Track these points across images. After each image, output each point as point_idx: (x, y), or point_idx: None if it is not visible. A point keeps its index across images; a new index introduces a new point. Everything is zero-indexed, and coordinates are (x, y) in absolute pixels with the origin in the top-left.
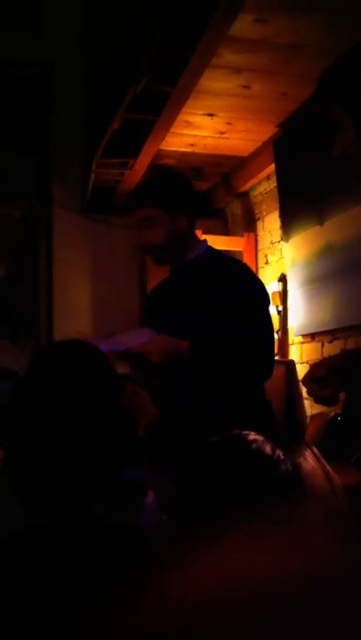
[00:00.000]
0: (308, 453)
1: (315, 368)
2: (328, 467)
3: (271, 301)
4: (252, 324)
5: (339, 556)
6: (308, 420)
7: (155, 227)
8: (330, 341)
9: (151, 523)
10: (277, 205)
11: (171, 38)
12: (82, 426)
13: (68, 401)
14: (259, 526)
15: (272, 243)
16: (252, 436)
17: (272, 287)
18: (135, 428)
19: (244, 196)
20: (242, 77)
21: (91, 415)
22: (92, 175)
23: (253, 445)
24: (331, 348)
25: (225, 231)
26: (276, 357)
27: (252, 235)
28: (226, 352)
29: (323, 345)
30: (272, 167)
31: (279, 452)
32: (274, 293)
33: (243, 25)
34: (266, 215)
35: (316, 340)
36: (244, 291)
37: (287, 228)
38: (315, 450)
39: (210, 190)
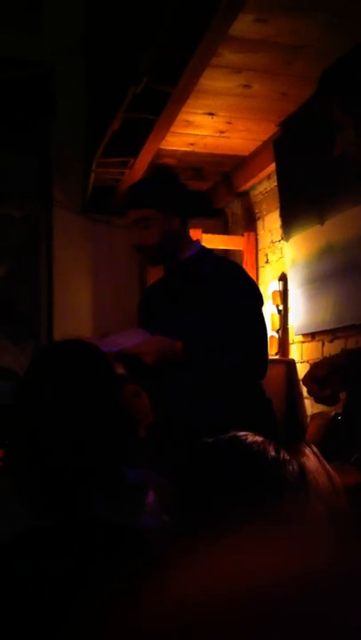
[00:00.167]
0: (308, 452)
1: (315, 367)
2: (328, 466)
3: (272, 301)
4: (245, 324)
5: (339, 556)
6: (308, 419)
7: (149, 227)
8: (330, 341)
9: (152, 523)
10: (278, 205)
11: (171, 38)
12: (82, 426)
13: (69, 401)
14: (259, 526)
15: (272, 242)
16: (251, 437)
17: (272, 286)
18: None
19: (245, 195)
20: (242, 77)
21: (91, 415)
22: (93, 175)
23: (254, 446)
24: (331, 348)
25: (225, 230)
26: (277, 357)
27: (252, 234)
28: (220, 352)
29: (323, 344)
30: (272, 167)
31: (284, 453)
32: (274, 293)
33: (243, 25)
34: (266, 214)
35: (317, 339)
36: (237, 290)
37: (288, 227)
38: (314, 448)
39: (210, 190)
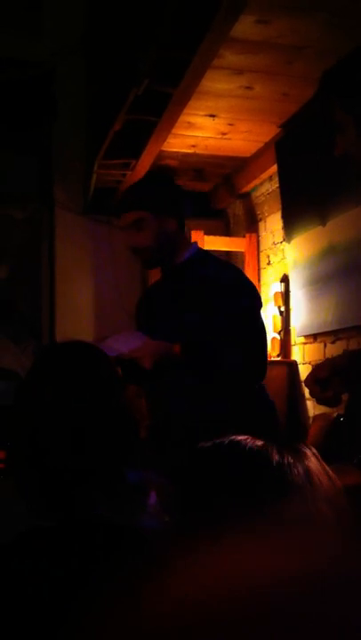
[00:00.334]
0: (309, 453)
1: (317, 369)
2: (327, 467)
3: (273, 302)
4: (244, 325)
5: (339, 556)
6: (310, 420)
7: (142, 230)
8: (332, 342)
9: (153, 523)
10: (279, 206)
11: (172, 39)
12: (83, 426)
13: (70, 401)
14: (259, 526)
15: (274, 243)
16: (251, 440)
17: (274, 288)
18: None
19: (246, 196)
20: (244, 78)
21: (92, 415)
22: (94, 176)
23: (254, 448)
24: (333, 349)
25: (227, 232)
26: (279, 358)
27: (254, 235)
28: (219, 352)
29: (325, 345)
30: (274, 168)
31: (288, 456)
32: (276, 294)
33: (244, 26)
34: (268, 216)
35: (319, 340)
36: (235, 291)
37: (289, 228)
38: (313, 450)
39: (212, 191)
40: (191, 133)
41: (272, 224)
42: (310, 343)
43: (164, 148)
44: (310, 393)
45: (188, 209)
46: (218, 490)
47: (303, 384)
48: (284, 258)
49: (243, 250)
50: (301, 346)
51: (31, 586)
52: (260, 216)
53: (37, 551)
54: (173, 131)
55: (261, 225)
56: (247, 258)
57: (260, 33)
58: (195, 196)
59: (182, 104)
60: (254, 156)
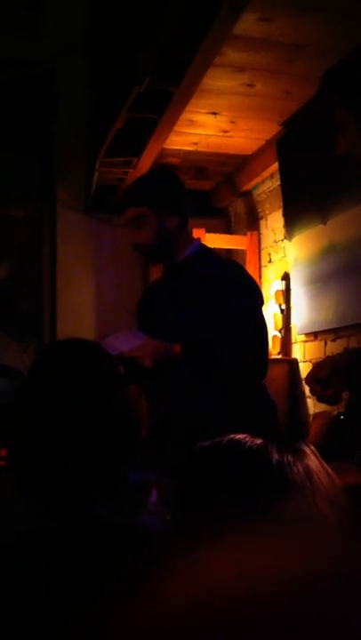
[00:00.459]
0: (309, 452)
1: (318, 367)
2: (326, 465)
3: (274, 300)
4: (244, 323)
5: (339, 556)
6: (311, 418)
7: (143, 226)
8: (333, 340)
9: (154, 522)
10: (281, 204)
11: (174, 38)
12: (83, 426)
13: (70, 401)
14: (259, 526)
15: (275, 241)
16: (250, 439)
17: (275, 286)
18: (139, 429)
19: (248, 194)
20: (245, 76)
21: (92, 415)
22: (96, 174)
23: (253, 447)
24: (333, 347)
25: (228, 230)
26: (279, 356)
27: (255, 233)
28: (219, 350)
29: (325, 343)
30: (275, 166)
31: (288, 455)
32: (277, 292)
33: (247, 24)
34: (269, 214)
35: (319, 338)
36: (236, 289)
37: (290, 226)
38: (313, 448)
39: (213, 189)
40: (193, 131)
41: (273, 222)
42: (311, 341)
43: (166, 146)
44: (311, 391)
45: (190, 207)
46: (218, 489)
47: (304, 382)
48: (285, 256)
49: (244, 248)
50: (302, 344)
51: (31, 586)
52: (261, 214)
53: (37, 551)
54: (175, 128)
55: (263, 223)
56: (248, 256)
57: (262, 31)
58: (196, 194)
59: (184, 102)
60: (256, 154)
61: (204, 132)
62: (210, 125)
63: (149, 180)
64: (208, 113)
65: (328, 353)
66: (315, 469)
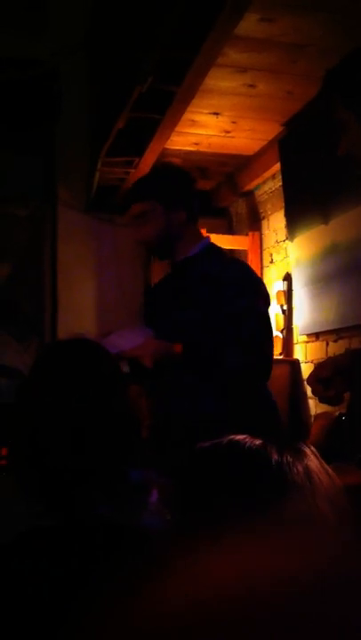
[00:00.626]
0: (309, 452)
1: (320, 368)
2: (326, 466)
3: (276, 300)
4: (246, 324)
5: (339, 556)
6: (312, 419)
7: (150, 221)
8: (334, 341)
9: (155, 522)
10: (282, 204)
11: (176, 38)
12: (83, 426)
13: (71, 401)
14: (259, 526)
15: (277, 242)
16: (250, 440)
17: (277, 286)
18: (139, 428)
19: (249, 194)
20: (247, 76)
21: (93, 415)
22: (97, 174)
23: (253, 447)
24: (335, 348)
25: (230, 230)
26: (281, 356)
27: (256, 234)
28: (218, 351)
29: (327, 344)
30: (277, 166)
31: (287, 455)
32: (279, 292)
33: (248, 24)
34: (271, 214)
35: (321, 339)
36: (240, 290)
37: (292, 227)
38: (313, 448)
39: (215, 189)
40: (194, 131)
41: (275, 222)
42: (312, 342)
43: (168, 146)
44: (312, 391)
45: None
46: (217, 490)
47: (305, 382)
48: (286, 256)
49: (245, 248)
50: (304, 344)
51: (31, 586)
52: (262, 214)
53: (37, 551)
54: (177, 129)
55: (264, 223)
56: (250, 256)
57: (263, 31)
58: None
59: (186, 102)
60: (257, 155)
61: (205, 133)
62: (211, 125)
63: (157, 175)
64: (210, 113)
65: (330, 354)
66: (315, 470)
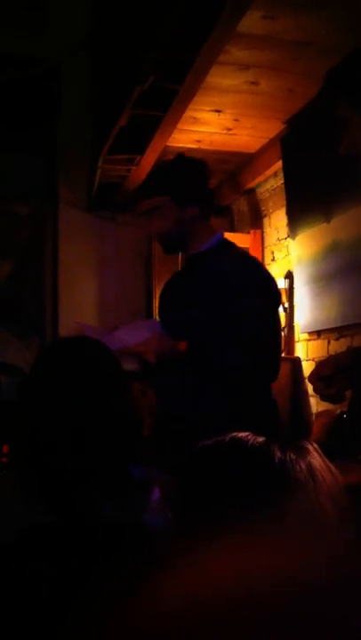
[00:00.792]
0: (312, 449)
1: (321, 366)
2: (329, 463)
3: None
4: (248, 324)
5: (339, 556)
6: (313, 417)
7: (161, 216)
8: (336, 339)
9: (156, 520)
10: (284, 202)
11: (178, 36)
12: (83, 426)
13: (71, 401)
14: (258, 526)
15: (279, 240)
16: (252, 437)
17: (278, 284)
18: (140, 427)
19: (251, 192)
20: (249, 74)
21: (93, 415)
22: (99, 172)
23: (256, 446)
24: (337, 346)
25: (231, 228)
26: (282, 354)
27: (258, 231)
28: (218, 351)
29: (329, 342)
30: (279, 164)
31: (290, 453)
32: (280, 290)
33: (251, 21)
34: (273, 212)
35: (322, 337)
36: (241, 290)
37: (294, 225)
38: (316, 446)
39: (216, 187)
40: (196, 129)
41: (277, 220)
42: (314, 340)
43: (169, 144)
44: (314, 389)
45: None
46: (220, 487)
47: (307, 380)
48: (288, 254)
49: (247, 246)
50: (305, 342)
51: (31, 586)
52: (264, 212)
53: (37, 551)
54: (178, 126)
55: (266, 221)
56: (252, 254)
57: (265, 28)
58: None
59: (188, 100)
60: (259, 152)
61: (207, 130)
62: (213, 123)
63: (170, 168)
64: (212, 111)
65: (331, 352)
66: (318, 467)
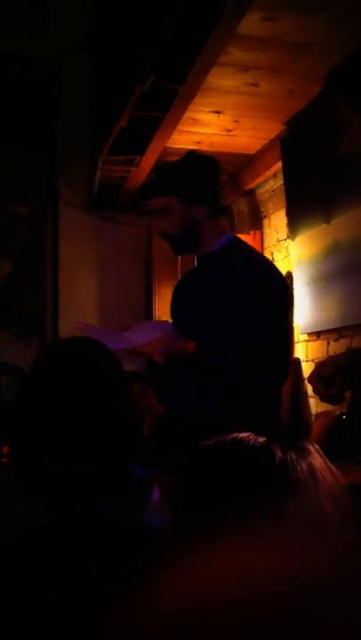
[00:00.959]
0: (313, 450)
1: (321, 367)
2: (330, 464)
3: None
4: (246, 325)
5: (339, 556)
6: (313, 418)
7: (169, 216)
8: (335, 340)
9: (156, 520)
10: (284, 203)
11: (179, 37)
12: (83, 426)
13: (71, 401)
14: (259, 526)
15: (278, 240)
16: (253, 438)
17: None
18: (140, 427)
19: (251, 193)
20: (249, 75)
21: (93, 415)
22: (99, 172)
23: (257, 446)
24: (336, 347)
25: (231, 229)
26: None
27: (258, 232)
28: (218, 351)
29: (328, 343)
30: (279, 165)
31: (291, 453)
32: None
33: (251, 23)
34: (272, 213)
35: (322, 338)
36: (245, 289)
37: (294, 225)
38: (317, 446)
39: None
40: (196, 130)
41: (276, 221)
42: (314, 341)
43: (169, 145)
44: (314, 390)
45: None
46: (221, 488)
47: (306, 381)
48: (288, 255)
49: None
50: (305, 343)
51: (31, 586)
52: (264, 213)
53: (37, 551)
54: (178, 127)
55: (266, 222)
56: None
57: (266, 30)
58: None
59: (188, 100)
60: (259, 153)
61: (207, 131)
62: (213, 124)
63: (180, 167)
64: (212, 112)
65: (331, 353)
66: (319, 467)
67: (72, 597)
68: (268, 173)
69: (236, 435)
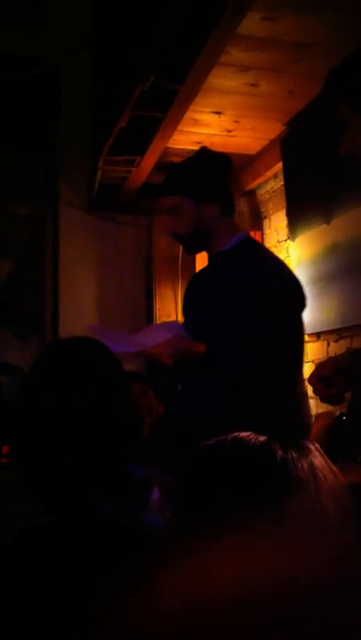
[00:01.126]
0: (313, 449)
1: (321, 367)
2: (331, 463)
3: None
4: (249, 325)
5: (339, 556)
6: (313, 418)
7: (180, 215)
8: (335, 340)
9: (156, 520)
10: (284, 204)
11: (179, 37)
12: (83, 426)
13: (71, 401)
14: (259, 526)
15: (278, 241)
16: (254, 437)
17: None
18: (140, 427)
19: (251, 194)
20: (249, 75)
21: (93, 415)
22: (99, 172)
23: (258, 445)
24: (336, 347)
25: None
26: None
27: (258, 233)
28: (218, 351)
29: (328, 344)
30: (279, 165)
31: (292, 452)
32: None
33: (251, 23)
34: (273, 213)
35: (322, 339)
36: (246, 289)
37: (294, 226)
38: (317, 445)
39: None
40: (196, 130)
41: (277, 222)
42: (313, 341)
43: (169, 145)
44: (314, 390)
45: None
46: (222, 487)
47: (306, 382)
48: (288, 256)
49: None
50: (305, 344)
51: (31, 586)
52: (264, 214)
53: (37, 551)
54: (179, 127)
55: (266, 223)
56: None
57: (266, 30)
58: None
59: (188, 100)
60: (259, 154)
61: (207, 132)
62: (214, 125)
63: (190, 165)
64: (212, 112)
65: (331, 353)
66: (319, 466)
67: (72, 597)
68: (269, 174)
69: (236, 434)
